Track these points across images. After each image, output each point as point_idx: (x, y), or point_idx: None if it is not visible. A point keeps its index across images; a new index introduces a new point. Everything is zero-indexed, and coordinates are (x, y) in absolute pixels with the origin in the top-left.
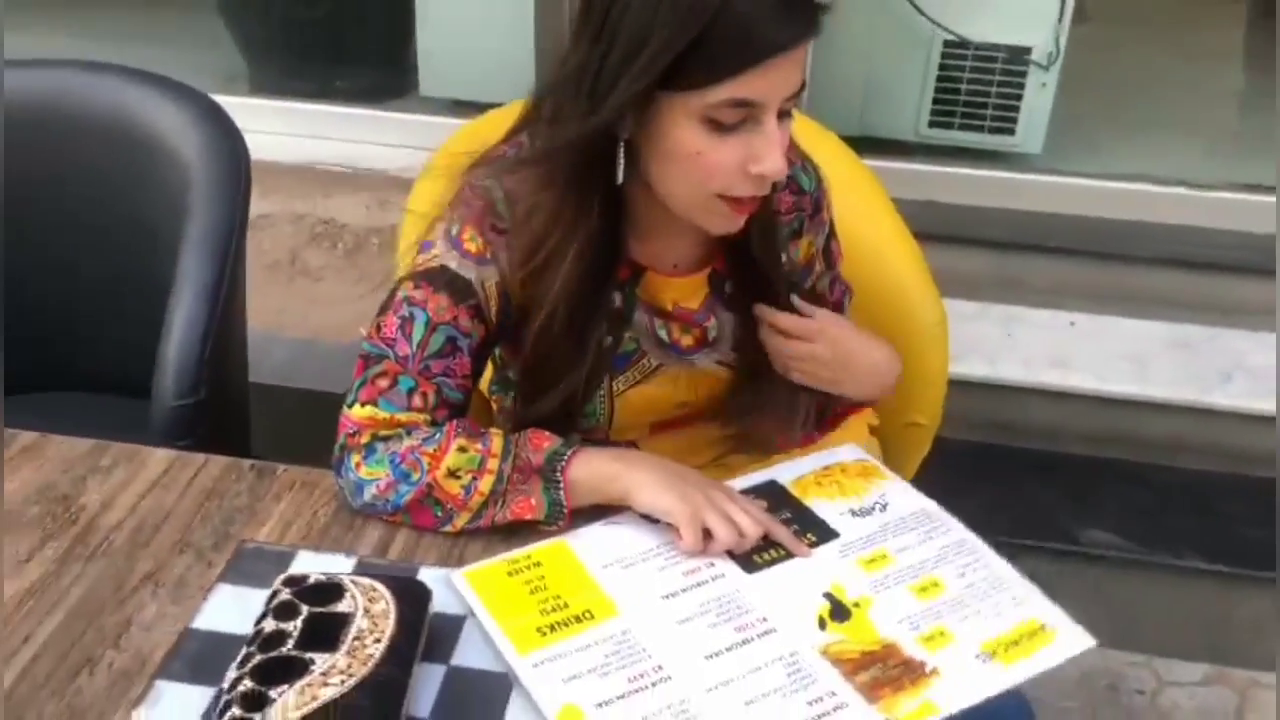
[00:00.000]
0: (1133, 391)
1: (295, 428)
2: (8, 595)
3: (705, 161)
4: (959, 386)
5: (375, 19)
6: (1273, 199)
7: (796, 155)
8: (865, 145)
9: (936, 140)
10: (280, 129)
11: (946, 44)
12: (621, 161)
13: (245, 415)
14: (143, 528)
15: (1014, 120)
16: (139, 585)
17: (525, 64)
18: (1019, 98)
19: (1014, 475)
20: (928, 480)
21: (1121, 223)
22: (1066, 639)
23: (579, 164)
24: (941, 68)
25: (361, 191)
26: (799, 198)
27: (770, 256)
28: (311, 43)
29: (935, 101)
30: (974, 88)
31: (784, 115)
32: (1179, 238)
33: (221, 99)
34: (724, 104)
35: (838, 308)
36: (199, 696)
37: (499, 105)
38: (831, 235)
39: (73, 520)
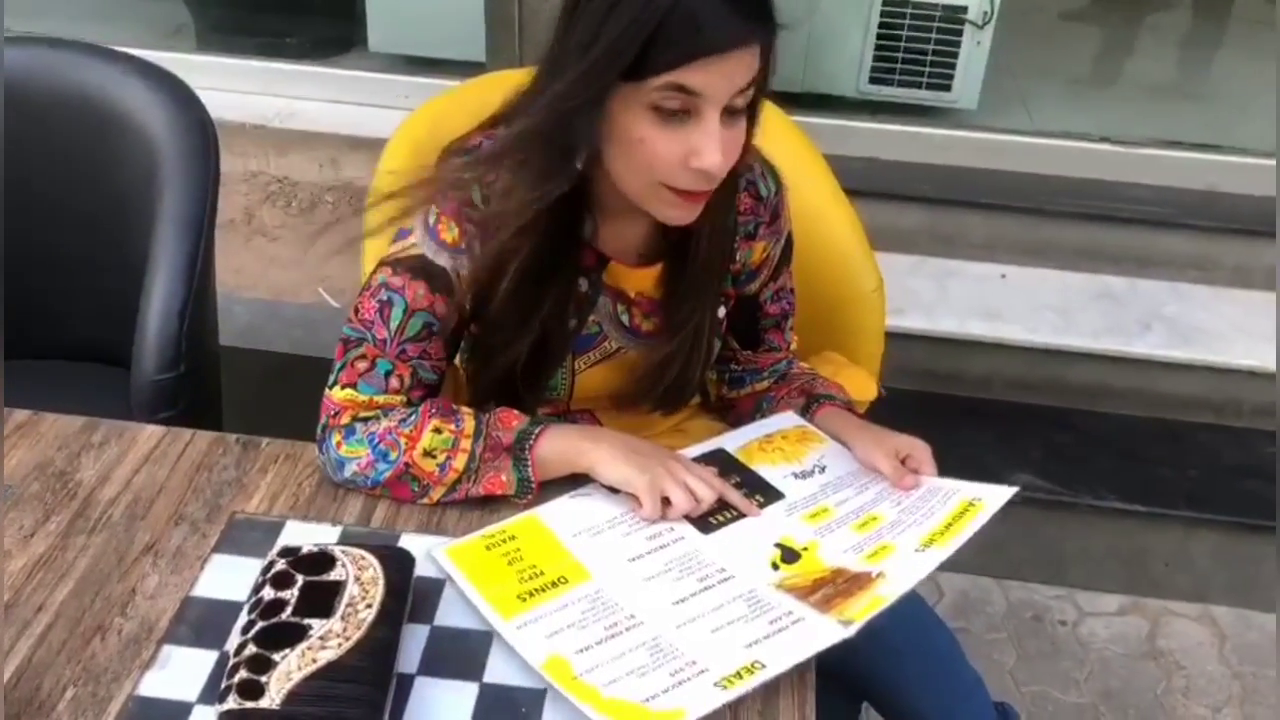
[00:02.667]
0: (1059, 341)
1: (260, 390)
2: (17, 566)
3: (648, 149)
4: (897, 338)
5: None
6: (1190, 154)
7: (759, 161)
8: (808, 101)
9: (876, 96)
10: (233, 86)
11: (886, 2)
12: (590, 150)
13: (217, 382)
14: (138, 501)
15: (951, 77)
16: (140, 556)
17: (475, 21)
18: (955, 55)
19: (947, 422)
20: None
21: (1051, 178)
22: (992, 500)
23: (544, 150)
24: (881, 25)
25: (315, 149)
26: (757, 203)
27: (714, 257)
28: None
29: (875, 58)
30: (912, 45)
31: (734, 113)
32: (1105, 193)
33: (173, 56)
34: (665, 88)
35: (777, 321)
36: (203, 659)
37: (448, 62)
38: (787, 249)
39: (71, 495)
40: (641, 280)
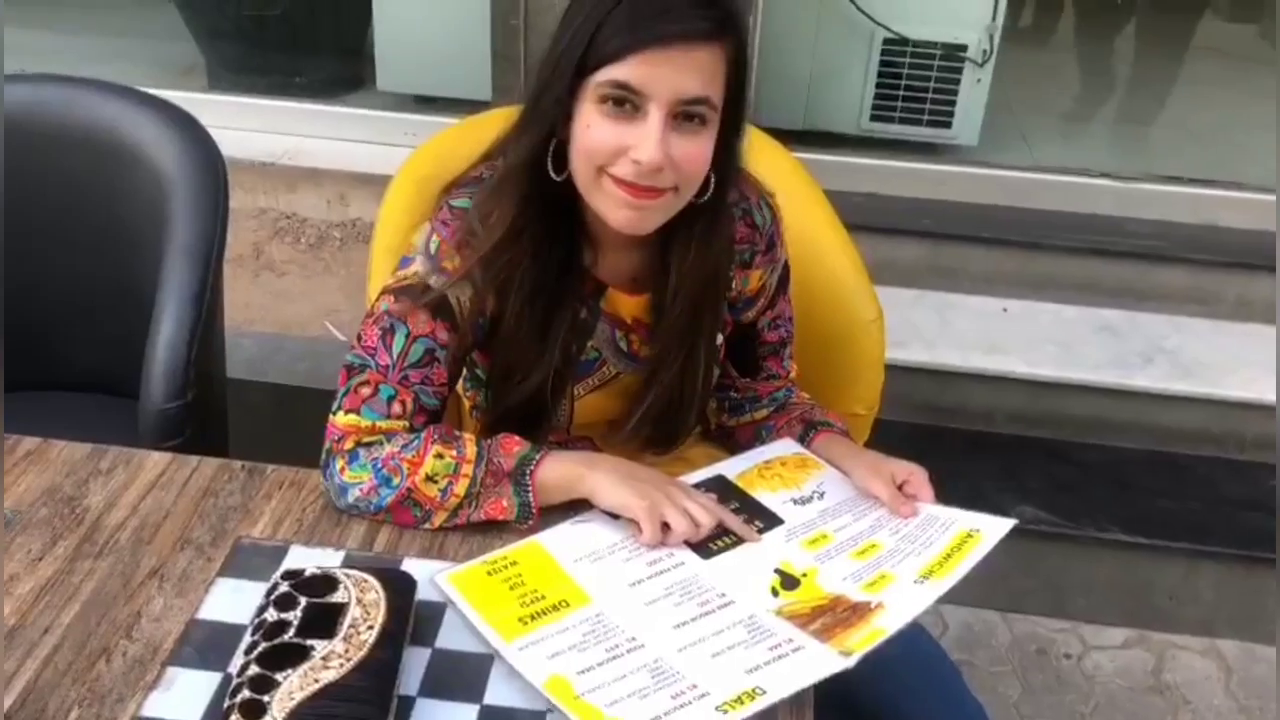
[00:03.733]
0: (1060, 374)
1: (267, 421)
2: (25, 589)
3: (592, 134)
4: (899, 371)
5: (332, 12)
6: (1188, 189)
7: (755, 192)
8: (810, 138)
9: (878, 133)
10: (242, 125)
11: (887, 41)
12: (563, 151)
13: (224, 412)
14: (145, 526)
15: (951, 114)
16: (145, 580)
17: (481, 60)
18: (955, 92)
19: (949, 454)
20: None
21: (1051, 213)
22: (991, 532)
23: (531, 172)
24: (882, 64)
25: (323, 186)
26: (753, 231)
27: (699, 285)
28: (268, 34)
29: (876, 96)
30: (913, 83)
31: (690, 121)
32: (1105, 227)
33: (184, 95)
34: (607, 84)
35: (775, 349)
36: (207, 680)
37: (455, 100)
38: (784, 276)
39: (79, 520)
40: (635, 306)
